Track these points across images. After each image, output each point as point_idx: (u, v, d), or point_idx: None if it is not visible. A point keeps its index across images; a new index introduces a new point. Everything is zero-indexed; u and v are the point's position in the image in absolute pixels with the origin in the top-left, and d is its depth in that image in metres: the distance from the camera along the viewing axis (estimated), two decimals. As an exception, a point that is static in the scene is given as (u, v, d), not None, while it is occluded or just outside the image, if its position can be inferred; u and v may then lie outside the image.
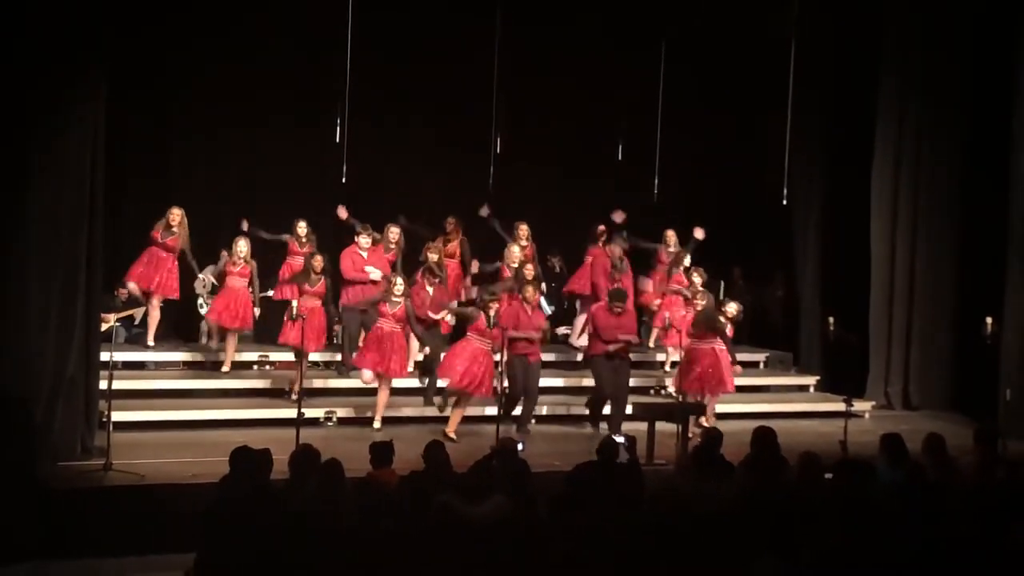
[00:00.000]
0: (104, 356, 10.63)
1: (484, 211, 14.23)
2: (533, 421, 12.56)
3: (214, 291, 13.93)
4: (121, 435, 10.62)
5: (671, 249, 14.42)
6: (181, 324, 14.45)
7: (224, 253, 13.31)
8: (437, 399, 12.44)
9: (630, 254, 14.10)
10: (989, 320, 12.94)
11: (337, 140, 12.99)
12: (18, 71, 9.94)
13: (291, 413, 10.80)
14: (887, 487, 7.84)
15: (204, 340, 14.21)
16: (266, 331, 13.79)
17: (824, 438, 11.93)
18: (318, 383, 12.96)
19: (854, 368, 14.09)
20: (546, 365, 13.57)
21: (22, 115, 10.01)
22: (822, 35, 15.17)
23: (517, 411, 12.36)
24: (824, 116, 15.57)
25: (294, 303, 12.37)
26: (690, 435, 11.30)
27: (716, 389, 12.57)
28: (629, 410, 12.39)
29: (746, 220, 16.49)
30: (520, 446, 9.15)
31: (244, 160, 15.01)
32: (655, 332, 14.46)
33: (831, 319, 13.93)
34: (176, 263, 13.24)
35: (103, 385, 10.54)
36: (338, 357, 13.47)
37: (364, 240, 13.32)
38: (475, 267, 14.10)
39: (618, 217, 14.19)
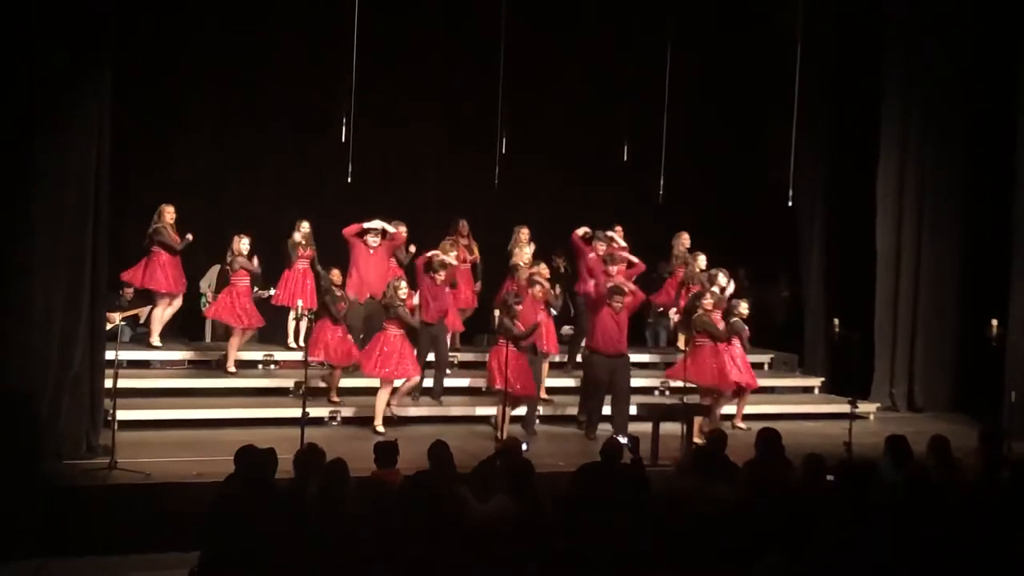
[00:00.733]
0: (109, 355, 10.65)
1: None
2: (537, 421, 12.57)
3: (218, 290, 13.92)
4: (126, 433, 10.66)
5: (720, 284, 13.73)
6: (186, 323, 14.45)
7: (231, 252, 13.29)
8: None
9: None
10: (994, 322, 12.92)
11: (343, 140, 12.98)
12: (23, 71, 9.96)
13: (295, 412, 10.81)
14: (891, 488, 7.84)
15: (209, 339, 14.21)
16: (270, 331, 13.80)
17: (829, 440, 11.93)
18: (322, 383, 12.94)
19: (859, 370, 14.07)
20: (550, 365, 13.59)
21: (27, 114, 10.02)
22: (827, 36, 15.14)
23: (522, 411, 12.37)
24: (829, 117, 15.56)
25: (299, 303, 12.37)
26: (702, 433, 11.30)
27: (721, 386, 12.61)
28: (634, 411, 12.41)
29: (751, 221, 16.49)
30: (524, 446, 9.15)
31: (249, 160, 15.02)
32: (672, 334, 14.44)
33: (836, 320, 13.92)
34: (177, 260, 13.22)
35: (108, 383, 10.55)
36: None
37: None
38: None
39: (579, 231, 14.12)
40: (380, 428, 11.89)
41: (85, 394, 10.44)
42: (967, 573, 6.78)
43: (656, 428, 11.26)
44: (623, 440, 9.24)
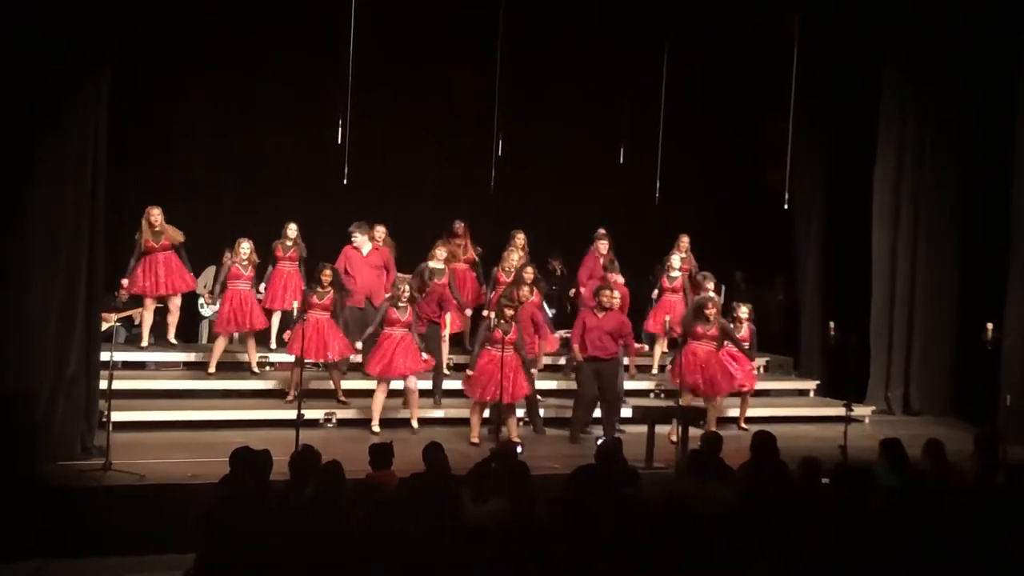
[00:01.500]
0: (104, 356, 10.64)
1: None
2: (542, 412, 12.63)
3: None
4: (121, 435, 10.63)
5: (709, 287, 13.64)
6: (181, 324, 14.41)
7: (227, 254, 13.26)
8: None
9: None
10: (990, 325, 12.93)
11: (339, 142, 12.98)
12: (20, 70, 9.93)
13: (291, 414, 10.79)
14: (886, 492, 7.84)
15: (204, 340, 14.19)
16: (265, 333, 13.78)
17: (824, 443, 11.91)
18: (316, 384, 12.93)
19: (854, 373, 14.08)
20: (546, 367, 13.59)
21: (24, 114, 10.00)
22: (824, 39, 15.16)
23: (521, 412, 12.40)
24: (826, 120, 15.56)
25: (294, 304, 12.33)
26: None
27: (710, 391, 12.59)
28: (628, 413, 12.41)
29: (747, 224, 16.50)
30: (519, 448, 9.15)
31: (246, 161, 15.02)
32: (661, 340, 14.38)
33: (832, 324, 13.92)
34: (174, 256, 13.16)
35: (103, 385, 10.54)
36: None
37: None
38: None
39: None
40: (376, 429, 11.88)
41: (80, 395, 10.42)
42: (962, 576, 6.78)
43: (651, 430, 11.25)
44: (600, 441, 9.23)
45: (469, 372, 11.88)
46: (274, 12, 14.62)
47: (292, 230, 13.38)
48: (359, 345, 12.38)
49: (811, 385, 15.28)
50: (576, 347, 12.36)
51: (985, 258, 14.34)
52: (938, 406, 14.94)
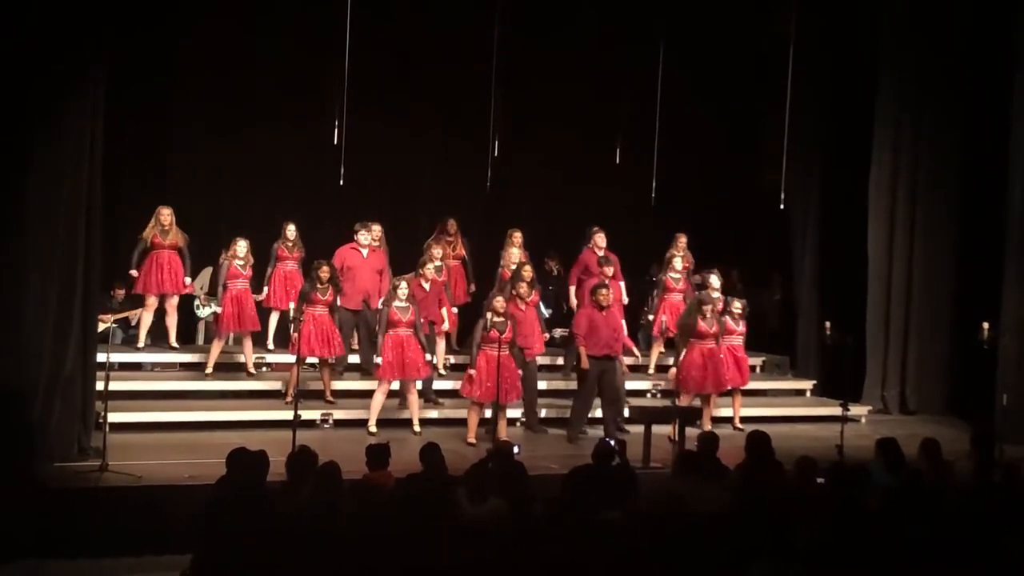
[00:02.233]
0: (101, 357, 10.62)
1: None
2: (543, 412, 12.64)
3: (212, 291, 13.87)
4: (118, 436, 10.60)
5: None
6: (178, 326, 14.39)
7: (224, 255, 13.23)
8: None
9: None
10: (986, 325, 12.94)
11: (335, 142, 12.97)
12: (16, 70, 9.93)
13: (288, 415, 10.79)
14: (883, 491, 7.85)
15: (202, 341, 14.18)
16: (262, 334, 13.76)
17: (820, 442, 11.93)
18: (314, 385, 12.92)
19: (851, 372, 14.09)
20: (543, 367, 13.59)
21: (19, 113, 9.99)
22: (820, 38, 15.17)
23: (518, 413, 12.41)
24: (822, 119, 15.55)
25: (290, 305, 12.31)
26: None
27: (717, 387, 12.60)
28: (626, 412, 12.41)
29: (743, 223, 16.50)
30: (516, 449, 9.15)
31: (241, 161, 14.97)
32: (658, 341, 14.38)
33: (828, 323, 13.93)
34: (176, 257, 13.16)
35: (100, 386, 10.53)
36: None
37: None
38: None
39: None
40: (373, 429, 11.88)
41: (77, 396, 10.41)
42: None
43: (648, 430, 11.25)
44: (610, 442, 9.24)
45: (471, 371, 11.86)
46: (271, 12, 14.61)
47: (291, 231, 13.37)
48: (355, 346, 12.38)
49: (807, 385, 15.28)
50: (583, 349, 12.32)
51: (981, 257, 14.35)
52: (934, 406, 14.94)
